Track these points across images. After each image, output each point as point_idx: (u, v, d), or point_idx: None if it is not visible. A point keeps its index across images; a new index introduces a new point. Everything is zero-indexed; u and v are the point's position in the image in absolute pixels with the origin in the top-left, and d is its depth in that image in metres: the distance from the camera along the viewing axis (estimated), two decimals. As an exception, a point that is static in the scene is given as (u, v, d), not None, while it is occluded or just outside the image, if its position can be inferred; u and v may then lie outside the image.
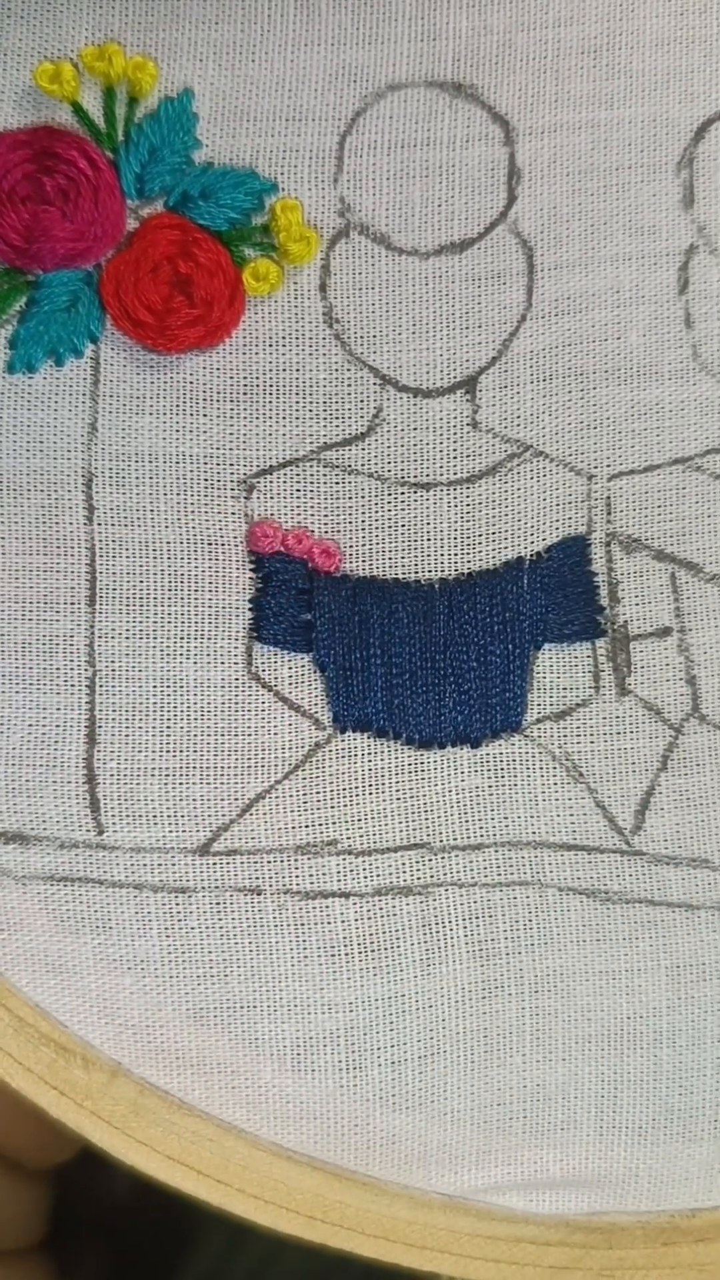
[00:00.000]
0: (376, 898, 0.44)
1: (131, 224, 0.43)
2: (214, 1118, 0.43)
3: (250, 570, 0.44)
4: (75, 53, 0.42)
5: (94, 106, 0.43)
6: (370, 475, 0.44)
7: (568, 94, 0.43)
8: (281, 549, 0.44)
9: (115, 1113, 0.43)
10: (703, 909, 0.44)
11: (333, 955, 0.43)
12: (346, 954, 0.44)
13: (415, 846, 0.44)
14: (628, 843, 0.44)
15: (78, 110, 0.42)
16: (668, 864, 0.44)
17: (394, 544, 0.44)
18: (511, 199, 0.43)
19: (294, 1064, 0.44)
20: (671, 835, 0.44)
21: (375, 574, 0.44)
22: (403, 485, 0.44)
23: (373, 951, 0.44)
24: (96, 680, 0.43)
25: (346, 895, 0.44)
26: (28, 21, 0.42)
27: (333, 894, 0.44)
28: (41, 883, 0.43)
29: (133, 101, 0.42)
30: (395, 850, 0.44)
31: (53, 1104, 0.43)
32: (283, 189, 0.43)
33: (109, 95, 0.42)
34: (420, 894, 0.44)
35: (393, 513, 0.44)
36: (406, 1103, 0.44)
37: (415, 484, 0.44)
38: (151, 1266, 0.62)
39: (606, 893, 0.44)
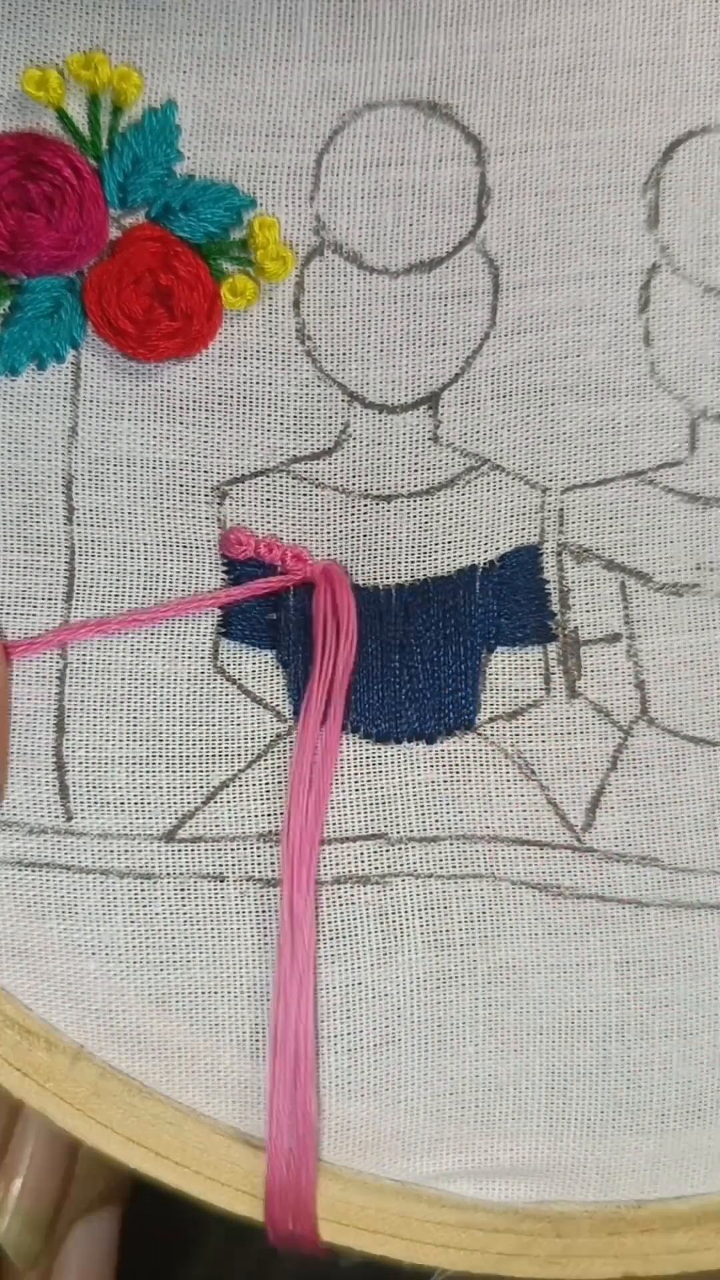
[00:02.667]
0: (335, 886, 0.45)
1: (114, 233, 0.44)
2: (173, 1101, 0.44)
3: (223, 573, 0.45)
4: (61, 59, 0.43)
5: (79, 114, 0.44)
6: (335, 489, 0.45)
7: (540, 114, 0.44)
8: (254, 555, 0.45)
9: (77, 1094, 0.44)
10: (651, 906, 0.45)
11: None
12: None
13: (373, 837, 0.45)
14: (579, 839, 0.45)
15: (63, 116, 0.44)
16: (617, 861, 0.45)
17: (356, 552, 0.46)
18: (480, 218, 0.45)
19: (253, 1049, 0.45)
20: (621, 833, 0.45)
21: None
22: (366, 497, 0.45)
23: (330, 939, 0.45)
24: (67, 672, 0.45)
25: None
26: (15, 26, 0.43)
27: None
28: (9, 867, 0.44)
29: (117, 111, 0.44)
30: (354, 840, 0.45)
31: (16, 1085, 0.44)
32: (261, 205, 0.45)
33: (94, 103, 0.44)
34: (378, 883, 0.45)
35: (355, 523, 0.46)
36: (361, 1090, 0.45)
37: (377, 496, 0.46)
38: (152, 1267, 0.62)
39: (558, 887, 0.45)
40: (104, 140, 0.44)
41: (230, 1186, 0.44)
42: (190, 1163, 0.44)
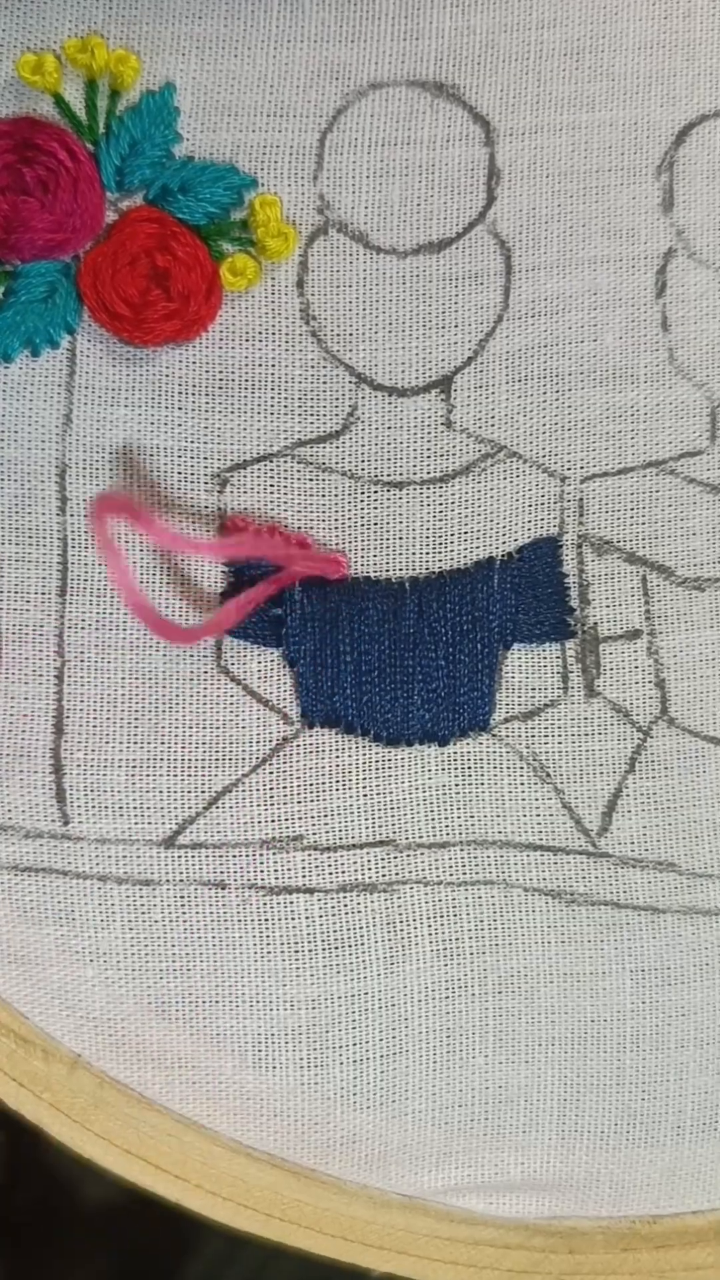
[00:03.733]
0: (341, 894, 0.43)
1: (111, 216, 0.43)
2: (174, 1112, 0.43)
3: (223, 565, 0.44)
4: (58, 44, 0.42)
5: (76, 98, 0.43)
6: (343, 473, 0.44)
7: (549, 96, 0.43)
8: None
9: (74, 1105, 0.43)
10: (668, 912, 0.44)
11: (296, 951, 0.43)
12: (310, 950, 0.43)
13: (381, 843, 0.44)
14: (594, 844, 0.44)
15: (59, 102, 0.43)
16: (634, 866, 0.44)
17: (365, 542, 0.44)
18: (490, 200, 0.43)
19: (255, 1060, 0.43)
20: (638, 837, 0.44)
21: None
22: (376, 484, 0.44)
23: (336, 948, 0.43)
24: (65, 670, 0.43)
25: (311, 891, 0.43)
26: (11, 12, 0.42)
27: (297, 889, 0.43)
28: (5, 872, 0.43)
29: (114, 94, 0.43)
30: (361, 847, 0.44)
31: (11, 1095, 0.43)
32: (262, 185, 0.43)
33: (91, 88, 0.43)
34: (385, 891, 0.44)
35: (365, 511, 0.44)
36: (367, 1101, 0.44)
37: (388, 482, 0.44)
38: (151, 1267, 0.62)
39: (572, 894, 0.44)
40: (101, 124, 0.43)
41: (233, 1201, 0.43)
42: (191, 1176, 0.43)
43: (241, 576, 0.43)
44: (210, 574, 0.44)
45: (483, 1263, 0.43)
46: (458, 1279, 0.43)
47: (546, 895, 0.44)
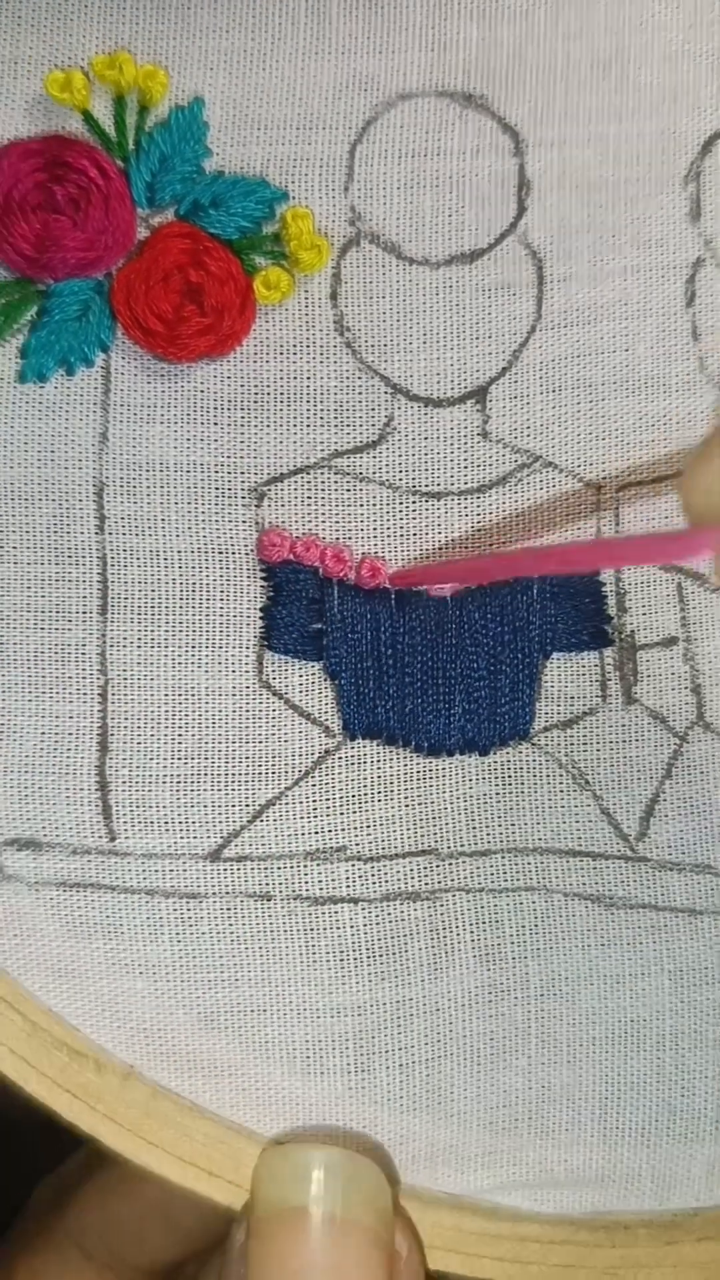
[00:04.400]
0: (385, 903, 0.44)
1: (142, 233, 0.43)
2: (225, 1119, 0.44)
3: (261, 579, 0.44)
4: (86, 61, 0.42)
5: (104, 115, 0.43)
6: (381, 483, 0.44)
7: (577, 107, 0.43)
8: (290, 557, 0.44)
9: (128, 1116, 0.43)
10: (705, 914, 0.45)
11: (341, 960, 0.44)
12: (355, 959, 0.44)
13: (423, 853, 0.44)
14: (632, 849, 0.45)
15: (88, 119, 0.42)
16: (671, 870, 0.45)
17: (404, 552, 0.44)
18: (521, 210, 0.44)
19: (303, 1067, 0.44)
20: (675, 842, 0.45)
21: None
22: (413, 494, 0.44)
23: (381, 956, 0.44)
24: (109, 688, 0.43)
25: (355, 901, 0.44)
26: (39, 30, 0.42)
27: (342, 900, 0.44)
28: (54, 889, 0.43)
29: (143, 110, 0.43)
30: (404, 856, 0.44)
31: (66, 1108, 0.43)
32: (293, 197, 0.43)
33: (119, 104, 0.43)
34: (428, 899, 0.44)
35: (403, 521, 0.44)
36: (414, 1104, 0.44)
37: (426, 493, 0.44)
38: None
39: (611, 898, 0.45)
40: (130, 140, 0.43)
41: (285, 1204, 0.44)
42: (245, 1182, 0.43)
43: (281, 591, 0.44)
44: (250, 588, 0.44)
45: (529, 1258, 0.44)
46: (505, 1275, 0.44)
47: (586, 900, 0.45)
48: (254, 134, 0.43)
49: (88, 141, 0.42)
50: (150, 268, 0.43)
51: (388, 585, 0.44)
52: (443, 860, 0.44)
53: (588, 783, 0.45)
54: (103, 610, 0.44)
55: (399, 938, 0.44)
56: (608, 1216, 0.45)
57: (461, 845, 0.44)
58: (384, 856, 0.44)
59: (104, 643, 0.44)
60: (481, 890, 0.44)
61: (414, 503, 0.44)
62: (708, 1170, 0.45)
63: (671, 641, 0.45)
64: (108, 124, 0.43)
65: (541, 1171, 0.45)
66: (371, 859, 0.44)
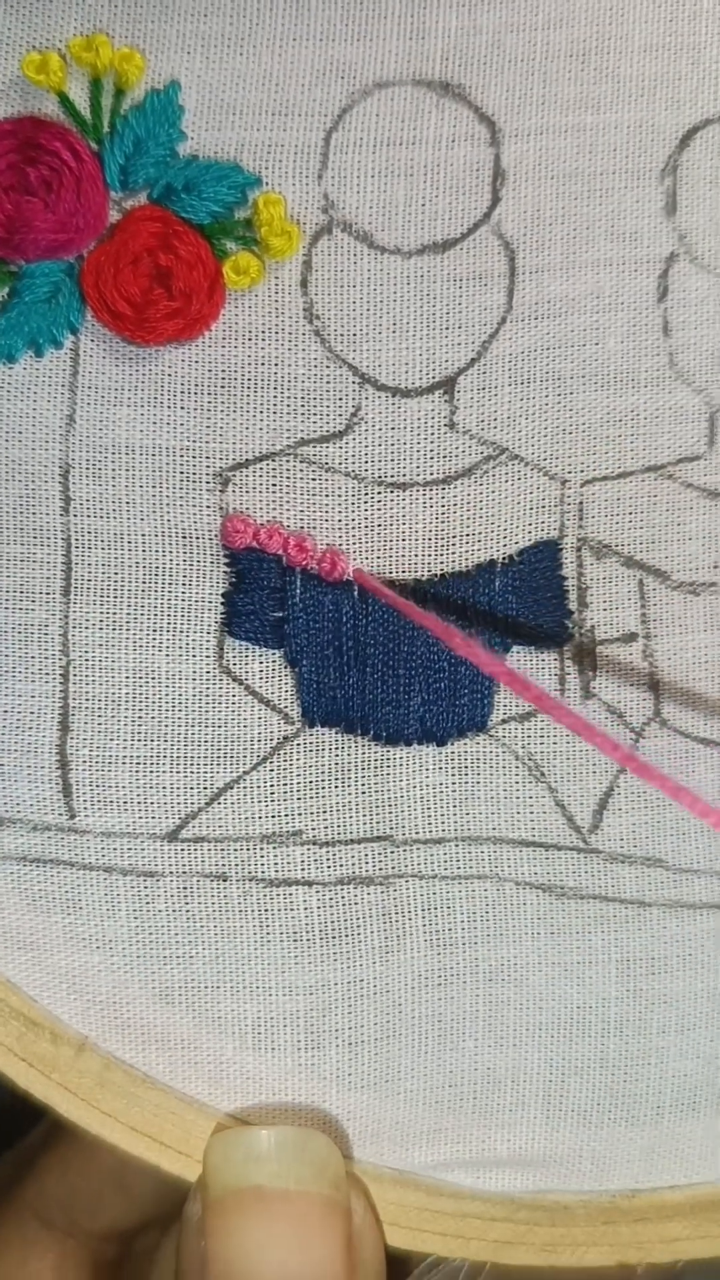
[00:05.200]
0: (338, 887, 0.45)
1: (114, 216, 0.43)
2: (177, 1091, 0.45)
3: (225, 565, 0.44)
4: (63, 43, 0.42)
5: (80, 97, 0.42)
6: (346, 474, 0.44)
7: (555, 97, 0.43)
8: (254, 544, 0.44)
9: (81, 1085, 0.44)
10: (654, 906, 0.45)
11: (295, 941, 0.45)
12: (308, 940, 0.45)
13: (378, 839, 0.45)
14: (585, 841, 0.45)
15: (64, 100, 0.42)
16: (622, 862, 0.45)
17: (368, 543, 0.45)
18: (495, 200, 0.43)
19: (255, 1043, 0.45)
20: (628, 835, 0.45)
21: None
22: (379, 484, 0.44)
23: (333, 938, 0.45)
24: (70, 669, 0.44)
25: (310, 884, 0.45)
26: (16, 10, 0.42)
27: (296, 882, 0.45)
28: (14, 863, 0.44)
29: (119, 93, 0.42)
30: (358, 842, 0.45)
31: (22, 1076, 0.44)
32: (266, 183, 0.43)
33: (95, 86, 0.42)
34: (381, 884, 0.45)
35: (368, 512, 0.44)
36: (362, 1082, 0.45)
37: (391, 484, 0.44)
38: None
39: (562, 888, 0.45)
40: (105, 123, 0.42)
41: (233, 1175, 0.45)
42: (194, 1152, 0.44)
43: (244, 578, 0.44)
44: (212, 573, 0.44)
45: (469, 1234, 0.45)
46: (446, 1249, 0.45)
47: (538, 889, 0.45)
48: (229, 119, 0.42)
49: (62, 124, 0.42)
50: (120, 251, 0.43)
51: (350, 578, 0.45)
52: (397, 847, 0.45)
53: (543, 775, 0.45)
54: (66, 591, 0.44)
55: (351, 921, 0.45)
56: (548, 1196, 0.46)
57: (416, 833, 0.45)
58: (339, 841, 0.45)
59: (66, 624, 0.44)
60: (434, 877, 0.45)
61: (379, 493, 0.44)
62: (646, 1154, 0.46)
63: (631, 638, 0.45)
64: (83, 106, 0.42)
65: (484, 1150, 0.46)
66: (327, 844, 0.45)
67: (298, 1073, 0.45)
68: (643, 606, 0.45)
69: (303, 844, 0.45)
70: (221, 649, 0.44)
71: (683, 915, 0.45)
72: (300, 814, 0.45)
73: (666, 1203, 0.46)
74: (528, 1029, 0.46)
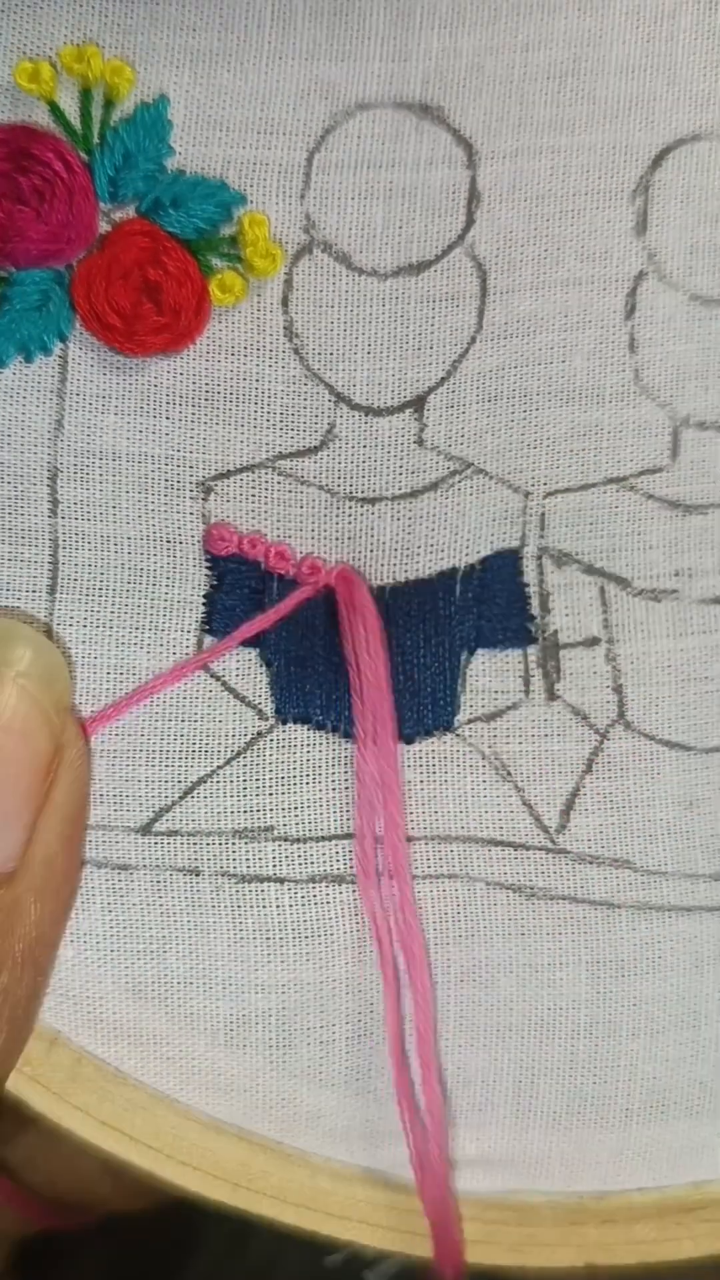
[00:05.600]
0: (310, 884, 0.45)
1: (103, 226, 0.44)
2: (148, 1087, 0.45)
3: (206, 568, 0.46)
4: (54, 52, 0.43)
5: (71, 107, 0.44)
6: (320, 487, 0.46)
7: (531, 119, 0.44)
8: (237, 552, 0.46)
9: (53, 1079, 0.45)
10: (623, 908, 0.46)
11: (267, 938, 0.45)
12: (280, 937, 0.45)
13: (349, 836, 0.46)
14: (553, 841, 0.46)
15: (54, 110, 0.44)
16: (590, 863, 0.46)
17: (340, 554, 0.46)
18: (470, 222, 0.45)
19: (226, 1039, 0.45)
20: (595, 836, 0.46)
21: None
22: (350, 499, 0.46)
23: (305, 936, 0.45)
24: None
25: (281, 880, 0.45)
26: (8, 18, 0.43)
27: (268, 879, 0.45)
28: None
29: (109, 104, 0.44)
30: (330, 839, 0.46)
31: (-6, 1069, 0.44)
32: (251, 201, 0.44)
33: (86, 97, 0.44)
34: (352, 882, 0.46)
35: (340, 524, 0.46)
36: (332, 1080, 0.46)
37: (362, 498, 0.46)
38: (152, 1268, 0.63)
39: (531, 888, 0.46)
40: (95, 134, 0.44)
41: (203, 1171, 0.45)
42: (164, 1148, 0.45)
43: (225, 580, 0.45)
44: (194, 575, 0.46)
45: (438, 1234, 0.46)
46: (414, 1248, 0.46)
47: (507, 889, 0.46)
48: (216, 135, 0.44)
49: (53, 134, 0.44)
50: (111, 264, 0.44)
51: (328, 584, 0.46)
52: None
53: (509, 775, 0.46)
54: (51, 590, 0.45)
55: (323, 919, 0.46)
56: (516, 1196, 0.46)
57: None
58: (310, 838, 0.46)
59: (51, 621, 0.45)
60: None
61: (350, 507, 0.46)
62: (614, 1156, 0.46)
63: (594, 642, 0.46)
64: (74, 116, 0.44)
65: (454, 1150, 0.46)
66: (298, 840, 0.45)
67: (269, 1070, 0.46)
68: (604, 612, 0.46)
69: (274, 840, 0.45)
70: (201, 647, 0.45)
71: (651, 918, 0.46)
72: (272, 810, 0.45)
73: (634, 1205, 0.46)
74: (498, 1030, 0.46)
